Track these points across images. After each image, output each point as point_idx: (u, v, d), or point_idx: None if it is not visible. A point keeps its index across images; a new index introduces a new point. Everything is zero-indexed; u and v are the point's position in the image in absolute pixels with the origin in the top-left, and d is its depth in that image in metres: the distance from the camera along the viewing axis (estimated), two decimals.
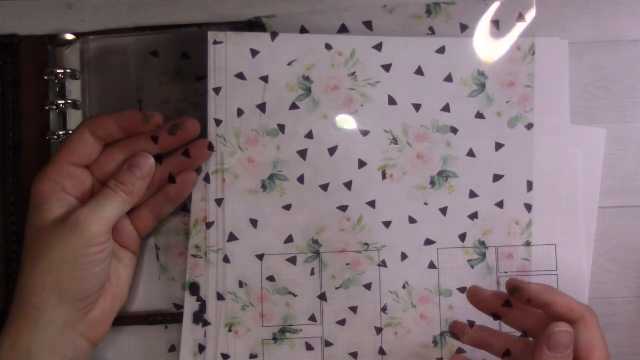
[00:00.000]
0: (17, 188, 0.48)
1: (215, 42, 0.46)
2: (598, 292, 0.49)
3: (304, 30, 0.45)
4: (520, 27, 0.44)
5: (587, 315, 0.41)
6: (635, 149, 0.50)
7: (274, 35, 0.45)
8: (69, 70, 0.48)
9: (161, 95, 0.49)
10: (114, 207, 0.43)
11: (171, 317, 0.48)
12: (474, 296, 0.45)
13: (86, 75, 0.49)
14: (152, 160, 0.45)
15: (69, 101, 0.48)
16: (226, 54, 0.46)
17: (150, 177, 0.45)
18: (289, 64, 0.46)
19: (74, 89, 0.49)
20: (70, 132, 0.48)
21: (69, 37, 0.49)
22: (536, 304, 0.42)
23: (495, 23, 0.44)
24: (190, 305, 0.48)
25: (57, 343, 0.42)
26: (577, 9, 0.50)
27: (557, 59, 0.48)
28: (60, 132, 0.48)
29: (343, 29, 0.45)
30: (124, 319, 0.48)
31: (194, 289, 0.48)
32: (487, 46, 0.44)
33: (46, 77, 0.49)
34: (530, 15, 0.44)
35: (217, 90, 0.46)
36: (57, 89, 0.49)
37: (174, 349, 0.48)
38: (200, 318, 0.48)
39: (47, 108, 0.48)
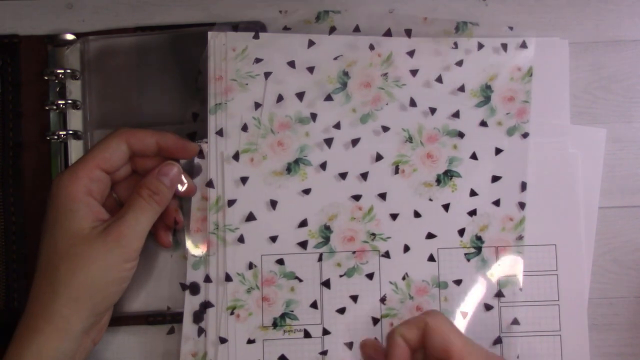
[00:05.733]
0: (17, 188, 0.48)
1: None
2: (598, 292, 0.49)
3: (357, 29, 0.50)
4: (522, 52, 0.50)
5: (429, 319, 0.39)
6: (635, 149, 0.50)
7: (332, 30, 0.50)
8: (69, 70, 0.48)
9: (161, 94, 0.49)
10: (148, 220, 0.44)
11: (171, 317, 0.48)
12: (364, 347, 0.42)
13: (86, 75, 0.49)
14: (177, 168, 0.46)
15: (69, 101, 0.48)
16: (279, 41, 0.50)
17: (176, 186, 0.46)
18: (335, 58, 0.50)
19: (74, 89, 0.49)
20: (71, 132, 0.48)
21: (69, 37, 0.49)
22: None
23: (504, 46, 0.50)
24: (190, 305, 0.48)
25: (77, 350, 0.42)
26: (577, 9, 0.50)
27: (557, 59, 0.51)
28: (61, 132, 0.48)
29: (388, 33, 0.50)
30: (124, 319, 0.48)
31: (194, 289, 0.48)
32: (495, 64, 0.50)
33: (46, 77, 0.49)
34: (532, 44, 0.50)
35: (267, 75, 0.49)
36: (57, 89, 0.49)
37: (173, 349, 0.48)
38: (200, 318, 0.48)
39: (47, 108, 0.48)
